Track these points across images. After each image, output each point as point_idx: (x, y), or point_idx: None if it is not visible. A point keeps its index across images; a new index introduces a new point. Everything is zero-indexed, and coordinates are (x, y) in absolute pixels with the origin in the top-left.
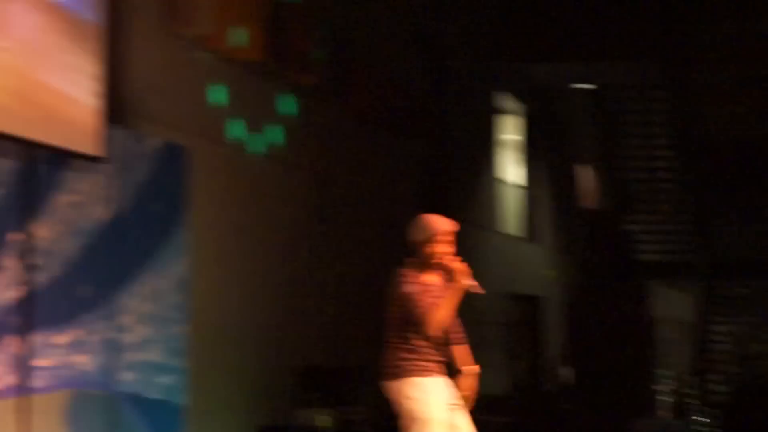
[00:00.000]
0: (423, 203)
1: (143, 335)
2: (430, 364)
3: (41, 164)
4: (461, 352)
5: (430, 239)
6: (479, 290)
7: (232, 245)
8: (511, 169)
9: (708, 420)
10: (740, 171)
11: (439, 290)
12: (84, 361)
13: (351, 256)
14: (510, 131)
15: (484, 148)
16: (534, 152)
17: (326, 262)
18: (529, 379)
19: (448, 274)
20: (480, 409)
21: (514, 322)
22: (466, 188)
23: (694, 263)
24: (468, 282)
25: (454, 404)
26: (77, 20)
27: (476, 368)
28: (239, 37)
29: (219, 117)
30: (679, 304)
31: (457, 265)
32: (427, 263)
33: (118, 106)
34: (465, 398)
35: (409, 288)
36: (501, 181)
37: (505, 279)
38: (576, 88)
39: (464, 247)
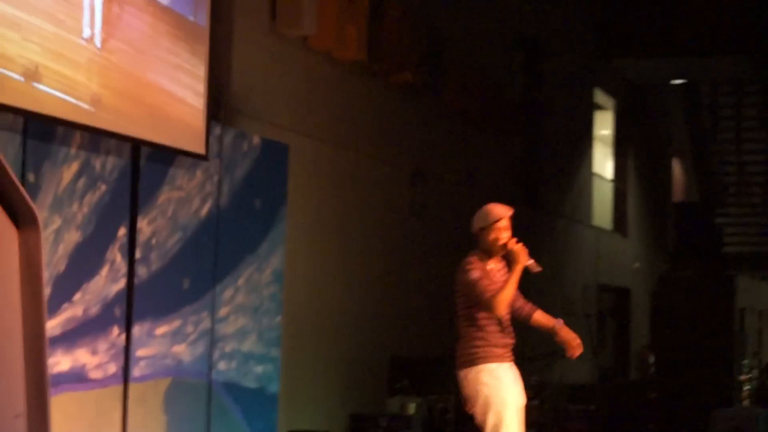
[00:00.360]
0: (519, 199)
1: (240, 326)
2: (501, 350)
3: (146, 162)
4: (540, 316)
5: (489, 226)
6: (537, 268)
7: (327, 239)
8: (605, 164)
9: None
10: None
11: (501, 275)
12: (182, 350)
13: (442, 251)
14: (604, 126)
15: (579, 143)
16: (626, 147)
17: (418, 257)
18: (617, 369)
19: (509, 256)
20: (568, 397)
21: (603, 312)
22: (561, 183)
23: None
24: (527, 260)
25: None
26: (184, 22)
27: (561, 320)
28: (341, 37)
29: (319, 115)
30: (764, 295)
31: (516, 245)
32: (488, 250)
33: (223, 105)
34: (574, 346)
35: (473, 275)
36: (595, 176)
37: (596, 271)
38: (671, 84)
39: (557, 240)
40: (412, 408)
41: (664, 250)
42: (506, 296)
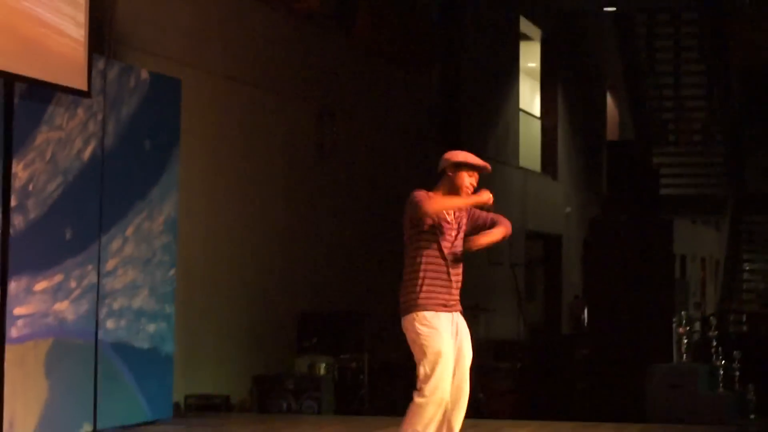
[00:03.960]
0: (437, 138)
1: (129, 280)
2: (442, 298)
3: (21, 99)
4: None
5: (463, 168)
6: (488, 201)
7: (226, 184)
8: (532, 100)
9: (729, 362)
10: None
11: (455, 222)
12: (65, 308)
13: (355, 196)
14: (531, 59)
15: (503, 77)
16: (555, 81)
17: (328, 204)
18: (547, 323)
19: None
20: (493, 354)
21: (532, 262)
22: (483, 121)
23: (723, 197)
24: (486, 198)
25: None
26: None
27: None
28: None
29: (215, 46)
30: (707, 240)
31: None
32: (452, 191)
33: (106, 36)
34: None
35: (419, 194)
36: (522, 112)
37: (523, 216)
38: (603, 11)
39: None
40: (322, 368)
41: (597, 193)
42: (444, 202)
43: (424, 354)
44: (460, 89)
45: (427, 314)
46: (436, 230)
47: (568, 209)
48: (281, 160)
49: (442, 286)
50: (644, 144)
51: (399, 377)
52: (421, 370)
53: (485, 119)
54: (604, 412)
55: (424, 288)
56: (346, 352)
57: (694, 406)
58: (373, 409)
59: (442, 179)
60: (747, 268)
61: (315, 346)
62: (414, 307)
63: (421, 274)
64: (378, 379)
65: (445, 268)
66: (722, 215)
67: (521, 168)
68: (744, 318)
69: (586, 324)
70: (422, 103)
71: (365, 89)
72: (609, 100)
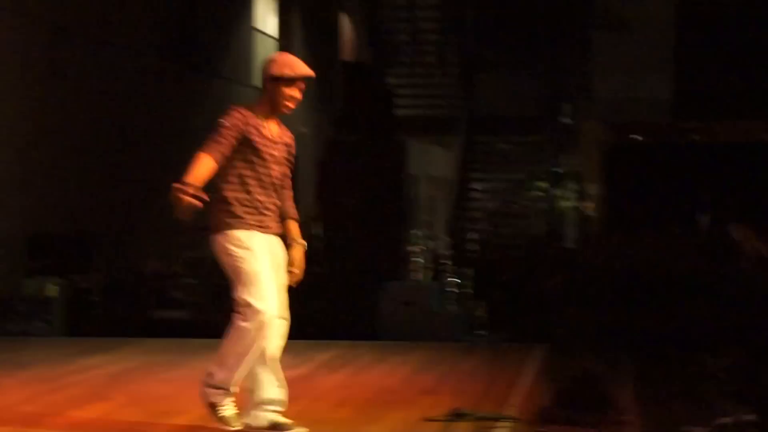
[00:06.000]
0: (169, 55)
1: None
2: (257, 216)
3: None
4: (293, 225)
5: (290, 79)
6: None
7: None
8: (267, 19)
9: (460, 280)
10: (511, 20)
11: (271, 143)
12: None
13: (90, 115)
14: None
15: None
16: (291, 2)
17: (61, 123)
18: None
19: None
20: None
21: None
22: (216, 39)
23: (455, 117)
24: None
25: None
26: None
27: (305, 244)
28: None
29: None
30: (440, 161)
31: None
32: (273, 107)
33: None
34: (291, 274)
35: (224, 120)
36: (256, 31)
37: None
38: None
39: (213, 102)
40: (52, 290)
41: (331, 113)
42: (206, 167)
43: (238, 276)
44: (196, 6)
45: (241, 233)
46: (254, 149)
47: (303, 129)
48: (12, 78)
49: (256, 207)
50: (379, 65)
51: (133, 296)
52: (238, 293)
53: (221, 38)
54: (338, 331)
55: (237, 207)
56: (78, 273)
57: (425, 323)
58: (104, 330)
59: (265, 90)
60: (478, 188)
61: (46, 268)
62: (225, 225)
63: (233, 193)
64: (111, 299)
65: (261, 189)
66: (456, 136)
67: (255, 87)
68: (476, 237)
69: (321, 244)
70: (158, 21)
71: (98, 5)
72: (346, 21)
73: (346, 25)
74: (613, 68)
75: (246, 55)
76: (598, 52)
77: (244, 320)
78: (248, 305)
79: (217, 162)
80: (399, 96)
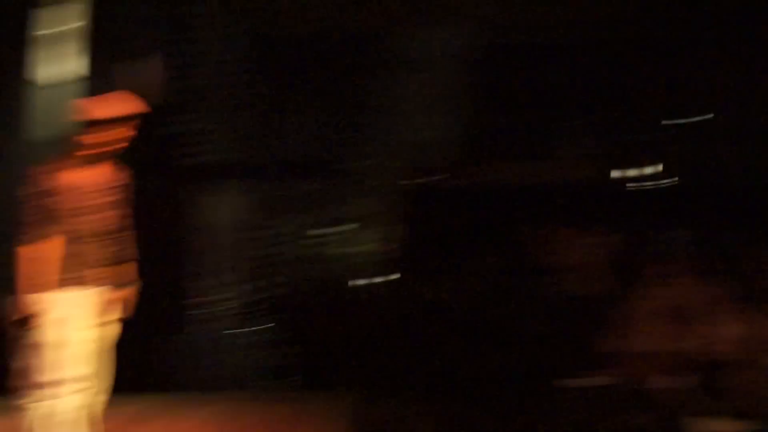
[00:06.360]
0: None
1: None
2: (75, 275)
3: None
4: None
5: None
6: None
7: None
8: (54, 67)
9: (263, 327)
10: (311, 63)
11: (97, 193)
12: None
13: None
14: (52, 24)
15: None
16: (94, 46)
17: None
18: None
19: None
20: None
21: None
22: None
23: (257, 162)
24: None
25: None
26: None
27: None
28: None
29: None
30: (240, 206)
31: None
32: (84, 157)
33: None
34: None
35: (34, 187)
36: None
37: None
38: None
39: None
40: None
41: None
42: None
43: None
44: None
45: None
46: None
47: None
48: None
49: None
50: (171, 110)
51: None
52: None
53: None
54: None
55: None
56: None
57: (225, 373)
58: None
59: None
60: (283, 232)
61: None
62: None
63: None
64: None
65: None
66: (258, 180)
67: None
68: (282, 281)
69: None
70: None
71: None
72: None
73: (154, 68)
74: (409, 110)
75: (18, 106)
76: (394, 93)
77: None
78: None
79: None
80: (191, 143)
